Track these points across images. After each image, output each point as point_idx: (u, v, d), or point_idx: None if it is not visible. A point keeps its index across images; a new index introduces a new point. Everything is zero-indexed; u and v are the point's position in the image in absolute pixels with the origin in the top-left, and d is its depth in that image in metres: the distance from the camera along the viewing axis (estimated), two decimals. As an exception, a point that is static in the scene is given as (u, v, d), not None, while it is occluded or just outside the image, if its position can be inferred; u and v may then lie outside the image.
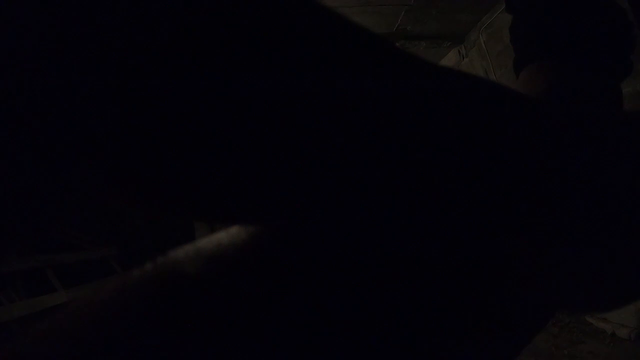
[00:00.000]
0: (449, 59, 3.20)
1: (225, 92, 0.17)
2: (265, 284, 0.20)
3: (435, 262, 0.22)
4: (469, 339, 0.23)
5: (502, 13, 2.62)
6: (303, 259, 0.20)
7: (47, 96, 0.15)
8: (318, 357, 0.20)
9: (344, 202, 0.20)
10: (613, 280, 0.26)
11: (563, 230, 0.24)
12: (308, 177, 0.19)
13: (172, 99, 0.17)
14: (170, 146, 0.17)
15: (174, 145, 0.17)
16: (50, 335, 0.18)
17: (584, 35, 0.30)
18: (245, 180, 0.19)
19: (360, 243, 0.21)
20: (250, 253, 0.20)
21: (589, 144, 0.26)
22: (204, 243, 0.21)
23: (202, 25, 0.17)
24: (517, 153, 0.23)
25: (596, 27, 0.30)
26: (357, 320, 0.20)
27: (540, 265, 0.24)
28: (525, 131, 0.24)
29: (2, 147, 0.14)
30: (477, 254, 0.22)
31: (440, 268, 0.22)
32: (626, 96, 0.31)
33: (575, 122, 0.27)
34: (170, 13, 0.16)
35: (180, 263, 0.20)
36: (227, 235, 0.21)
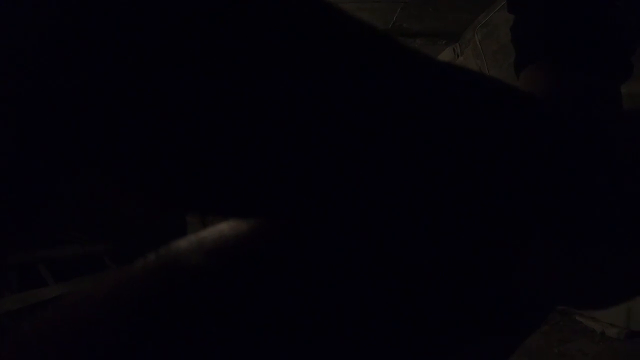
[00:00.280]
0: (444, 57, 3.21)
1: (225, 90, 0.17)
2: (266, 278, 0.20)
3: (434, 261, 0.22)
4: (465, 338, 0.23)
5: (498, 12, 2.62)
6: (304, 254, 0.20)
7: (42, 94, 0.15)
8: (317, 351, 0.20)
9: (345, 199, 0.20)
10: (605, 280, 0.26)
11: (560, 229, 0.24)
12: (309, 174, 0.19)
13: (172, 96, 0.16)
14: (171, 144, 0.17)
15: (176, 143, 0.17)
16: (53, 328, 0.18)
17: (586, 36, 0.30)
18: (247, 177, 0.19)
19: (360, 240, 0.21)
20: (251, 247, 0.20)
21: (589, 143, 0.26)
22: (206, 234, 0.21)
23: (201, 25, 0.16)
24: (518, 151, 0.23)
25: (597, 29, 0.30)
26: (356, 315, 0.21)
27: (536, 264, 0.24)
28: (526, 129, 0.24)
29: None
30: (475, 254, 0.23)
31: (439, 267, 0.22)
32: (623, 97, 0.32)
33: (576, 121, 0.27)
34: (169, 13, 0.16)
35: (183, 255, 0.20)
36: (229, 227, 0.21)
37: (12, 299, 1.93)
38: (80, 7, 0.14)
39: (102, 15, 0.15)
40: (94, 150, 0.16)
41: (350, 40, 0.20)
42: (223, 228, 0.21)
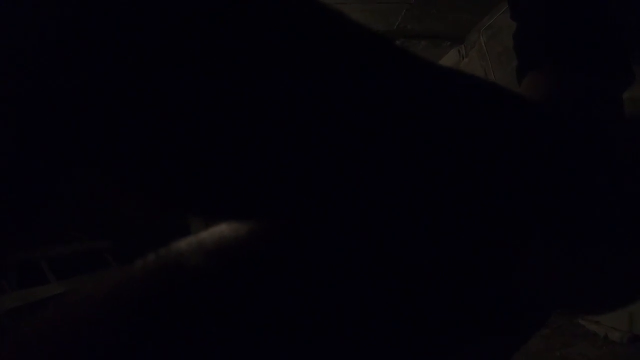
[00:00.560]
0: (449, 59, 3.22)
1: (225, 90, 0.17)
2: (266, 278, 0.20)
3: (434, 261, 0.22)
4: (465, 338, 0.23)
5: (503, 15, 2.63)
6: (304, 254, 0.20)
7: (42, 94, 0.15)
8: (317, 351, 0.20)
9: (345, 199, 0.20)
10: (608, 284, 0.26)
11: (560, 229, 0.24)
12: (309, 174, 0.19)
13: (172, 96, 0.16)
14: (172, 144, 0.17)
15: (176, 143, 0.17)
16: (53, 328, 0.18)
17: (585, 38, 0.30)
18: (247, 176, 0.19)
19: (360, 240, 0.21)
20: (251, 248, 0.20)
21: (589, 143, 0.26)
22: (206, 235, 0.21)
23: (201, 25, 0.16)
24: (518, 151, 0.23)
25: (597, 30, 0.30)
26: (356, 315, 0.21)
27: (536, 264, 0.24)
28: (526, 129, 0.24)
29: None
30: (475, 254, 0.23)
31: (439, 267, 0.22)
32: (625, 101, 0.32)
33: (576, 122, 0.27)
34: (169, 13, 0.16)
35: (183, 256, 0.20)
36: (229, 229, 0.21)
37: (13, 296, 1.93)
38: (80, 7, 0.14)
39: (102, 15, 0.15)
40: (94, 150, 0.16)
41: (350, 40, 0.20)
42: (223, 229, 0.21)
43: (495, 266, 0.23)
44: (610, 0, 0.33)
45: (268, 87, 0.18)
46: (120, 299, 0.18)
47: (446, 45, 3.05)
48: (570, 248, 0.24)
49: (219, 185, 0.19)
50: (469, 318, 0.23)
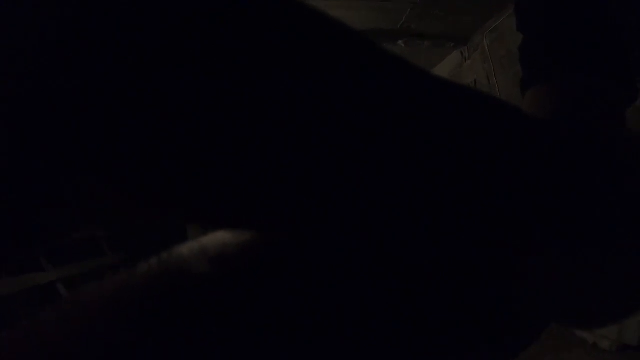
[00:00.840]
0: (452, 60, 3.23)
1: (225, 90, 0.17)
2: (265, 280, 0.20)
3: (434, 261, 0.22)
4: (465, 338, 0.23)
5: (507, 19, 2.63)
6: (304, 254, 0.20)
7: (42, 94, 0.15)
8: (317, 351, 0.20)
9: (345, 199, 0.20)
10: (605, 280, 0.26)
11: (560, 229, 0.24)
12: (309, 175, 0.19)
13: (172, 96, 0.16)
14: (171, 144, 0.17)
15: (176, 143, 0.17)
16: (53, 327, 0.18)
17: (588, 44, 0.30)
18: (247, 177, 0.19)
19: (360, 240, 0.21)
20: (254, 255, 0.20)
21: (589, 143, 0.26)
22: (209, 241, 0.21)
23: (201, 25, 0.16)
24: (518, 151, 0.23)
25: (597, 30, 0.30)
26: (356, 315, 0.20)
27: (536, 264, 0.24)
28: (526, 129, 0.24)
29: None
30: (475, 255, 0.23)
31: (439, 267, 0.22)
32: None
33: (576, 122, 0.27)
34: (169, 13, 0.16)
35: (185, 261, 0.20)
36: (231, 235, 0.21)
37: (9, 282, 1.93)
38: (80, 7, 0.14)
39: (102, 15, 0.15)
40: (94, 151, 0.16)
41: (350, 40, 0.20)
42: (225, 235, 0.21)
43: (495, 266, 0.23)
44: (610, 0, 0.33)
45: (268, 88, 0.18)
46: (121, 302, 0.18)
47: (450, 46, 3.05)
48: (570, 248, 0.24)
49: (219, 186, 0.19)
50: (468, 318, 0.23)
